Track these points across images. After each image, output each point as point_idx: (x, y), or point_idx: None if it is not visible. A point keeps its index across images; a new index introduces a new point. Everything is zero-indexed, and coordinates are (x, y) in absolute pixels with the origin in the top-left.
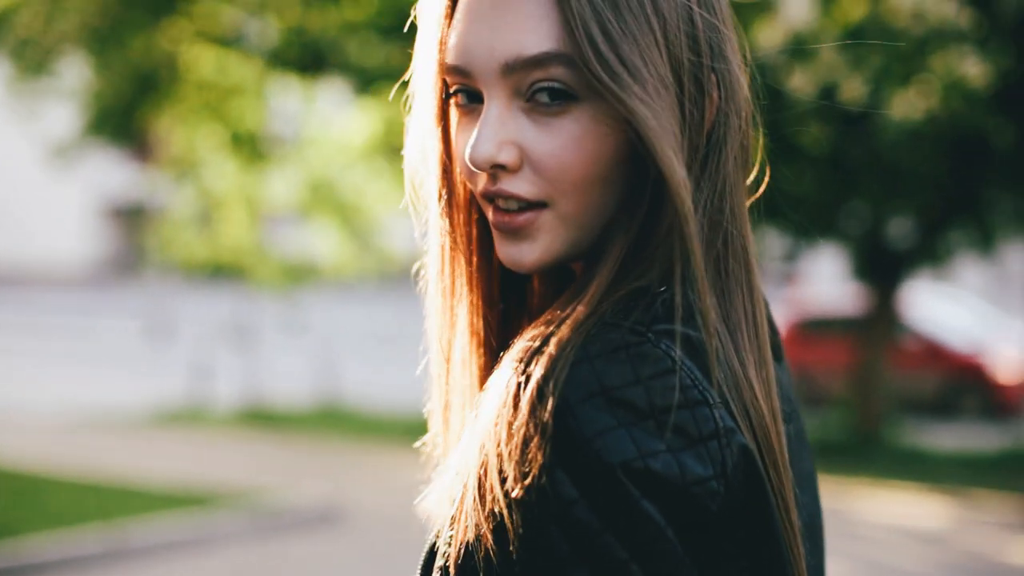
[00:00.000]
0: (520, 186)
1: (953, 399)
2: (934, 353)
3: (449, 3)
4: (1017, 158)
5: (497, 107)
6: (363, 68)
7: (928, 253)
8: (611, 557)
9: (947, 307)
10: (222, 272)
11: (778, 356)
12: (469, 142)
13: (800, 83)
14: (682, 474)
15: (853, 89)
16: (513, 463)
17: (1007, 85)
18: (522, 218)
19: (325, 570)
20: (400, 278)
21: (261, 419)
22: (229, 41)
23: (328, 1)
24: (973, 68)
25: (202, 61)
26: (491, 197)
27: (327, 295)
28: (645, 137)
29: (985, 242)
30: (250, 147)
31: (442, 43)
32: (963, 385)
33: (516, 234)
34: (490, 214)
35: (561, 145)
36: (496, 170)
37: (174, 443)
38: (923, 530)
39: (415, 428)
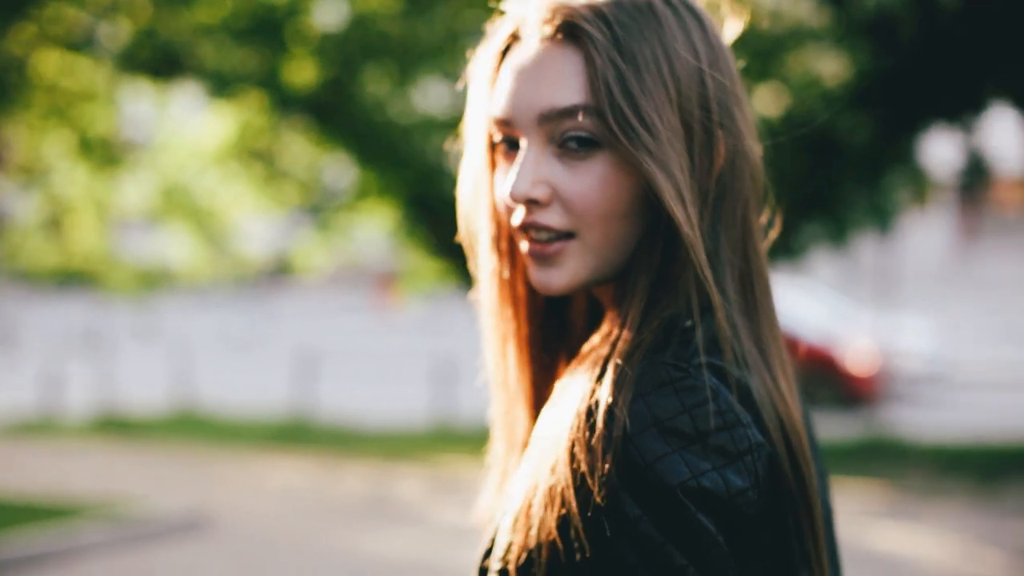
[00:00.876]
0: (551, 218)
1: (806, 390)
2: (788, 345)
3: (496, 65)
4: (871, 154)
5: (533, 151)
6: (218, 71)
7: (784, 248)
8: (672, 564)
9: (801, 300)
10: (73, 279)
11: None
12: (508, 179)
13: None
14: (727, 488)
15: None
16: (587, 482)
17: (863, 83)
18: (553, 248)
19: None
20: (255, 282)
21: (117, 427)
22: (78, 44)
23: (180, 3)
24: (829, 66)
25: (50, 65)
26: (526, 228)
27: (182, 301)
28: (652, 182)
29: (839, 236)
30: (101, 152)
31: (489, 98)
32: (816, 376)
33: (547, 261)
34: (525, 245)
35: (588, 184)
36: (531, 204)
37: (28, 455)
38: None
39: (276, 433)
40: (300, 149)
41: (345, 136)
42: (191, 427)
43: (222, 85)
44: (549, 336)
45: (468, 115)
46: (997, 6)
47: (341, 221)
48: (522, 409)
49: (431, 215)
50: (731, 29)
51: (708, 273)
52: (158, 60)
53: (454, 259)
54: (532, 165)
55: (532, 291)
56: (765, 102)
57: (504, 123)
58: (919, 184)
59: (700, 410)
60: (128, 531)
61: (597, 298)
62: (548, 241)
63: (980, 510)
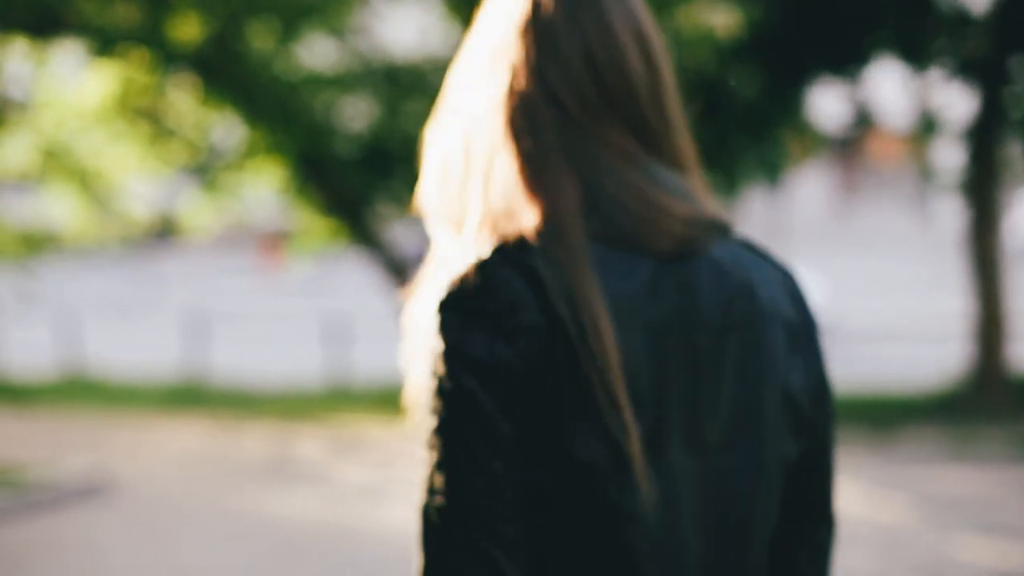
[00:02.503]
0: None
1: None
2: None
3: None
4: (760, 108)
5: None
6: (99, 28)
7: None
8: (440, 409)
9: None
10: None
11: (687, 254)
12: None
13: None
14: (491, 355)
15: None
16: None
17: (753, 35)
18: None
19: (96, 544)
20: (141, 244)
21: (3, 393)
22: None
23: None
24: (719, 18)
25: None
26: None
27: (67, 264)
28: None
29: (729, 189)
30: None
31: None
32: None
33: None
34: None
35: None
36: None
37: None
38: None
39: (170, 396)
40: (186, 107)
41: (231, 93)
42: (81, 392)
43: (104, 43)
44: None
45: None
46: None
47: (228, 180)
48: None
49: (321, 173)
50: None
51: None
52: (36, 17)
53: (344, 217)
54: None
55: None
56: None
57: None
58: (806, 137)
59: (485, 294)
60: (26, 498)
61: None
62: None
63: (877, 458)
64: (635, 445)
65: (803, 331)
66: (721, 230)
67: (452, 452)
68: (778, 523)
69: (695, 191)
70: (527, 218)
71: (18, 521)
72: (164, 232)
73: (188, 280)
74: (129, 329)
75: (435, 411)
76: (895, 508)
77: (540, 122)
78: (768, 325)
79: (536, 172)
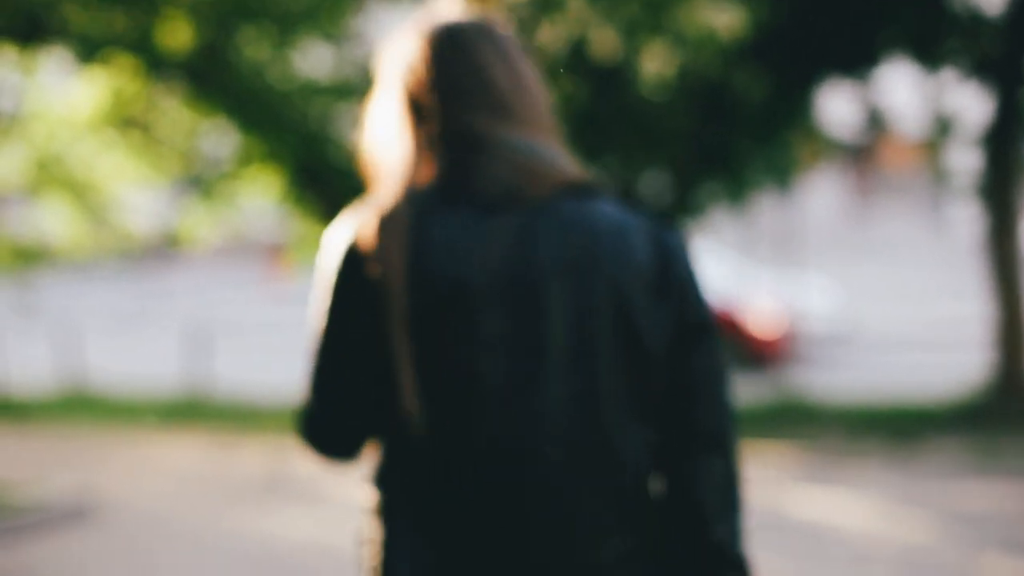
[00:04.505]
0: None
1: None
2: None
3: None
4: (767, 111)
5: None
6: (85, 35)
7: (683, 208)
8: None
9: (702, 261)
10: None
11: (500, 209)
12: None
13: (549, 37)
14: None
15: (604, 42)
16: None
17: (759, 36)
18: None
19: (79, 570)
20: (142, 257)
21: (0, 410)
22: None
23: None
24: (725, 19)
25: None
26: None
27: (66, 277)
28: None
29: (737, 194)
30: None
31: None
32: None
33: None
34: None
35: None
36: None
37: None
38: None
39: (169, 411)
40: (178, 116)
41: (224, 101)
42: (80, 408)
43: (90, 50)
44: None
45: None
46: None
47: (225, 190)
48: None
49: (318, 181)
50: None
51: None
52: (20, 24)
53: None
54: None
55: None
56: (657, 58)
57: None
58: (816, 141)
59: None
60: (8, 522)
61: None
62: None
63: (896, 471)
64: (406, 366)
65: (663, 278)
66: (580, 190)
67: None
68: (666, 450)
69: (557, 157)
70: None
71: None
72: (165, 245)
73: (191, 293)
74: (131, 342)
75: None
76: (916, 525)
77: (425, 118)
78: (607, 269)
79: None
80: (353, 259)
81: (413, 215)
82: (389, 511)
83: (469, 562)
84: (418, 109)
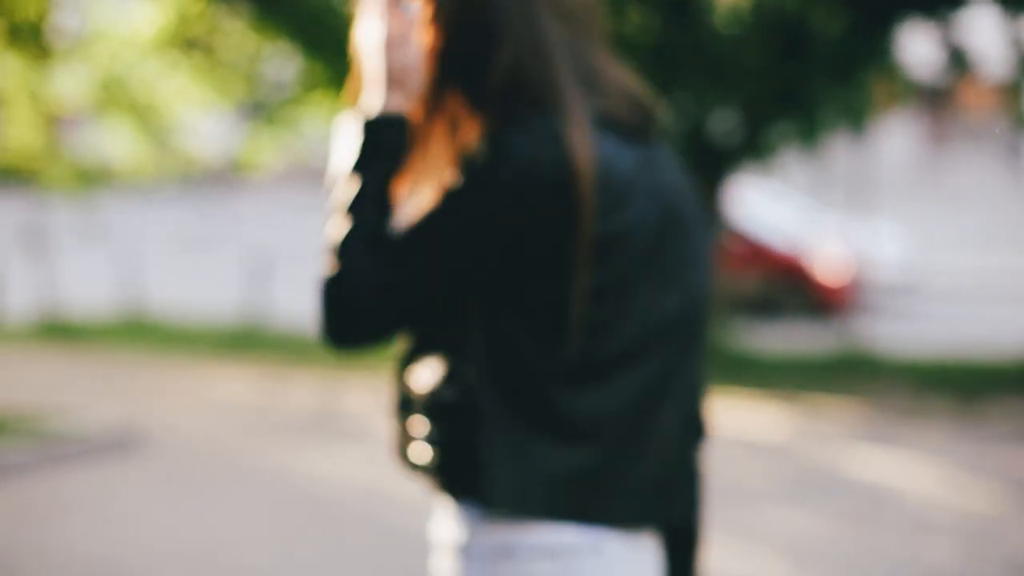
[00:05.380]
0: None
1: (775, 299)
2: (755, 253)
3: None
4: (845, 49)
5: None
6: None
7: (753, 148)
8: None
9: (770, 205)
10: (11, 177)
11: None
12: None
13: None
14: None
15: None
16: None
17: None
18: None
19: (116, 501)
20: (206, 181)
21: (59, 333)
22: None
23: None
24: None
25: None
26: None
27: (129, 200)
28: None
29: (810, 136)
30: (33, 40)
31: None
32: (784, 285)
33: None
34: None
35: None
36: None
37: None
38: (763, 442)
39: (225, 340)
40: (242, 39)
41: (288, 24)
42: (137, 333)
43: None
44: None
45: None
46: None
47: (288, 116)
48: None
49: None
50: None
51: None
52: None
53: None
54: None
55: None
56: None
57: None
58: (895, 82)
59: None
60: (50, 450)
61: None
62: None
63: (962, 434)
64: None
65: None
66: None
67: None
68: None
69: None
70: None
71: (37, 475)
72: (229, 170)
73: (256, 218)
74: (193, 267)
75: None
76: (984, 494)
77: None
78: (696, 216)
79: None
80: (559, 183)
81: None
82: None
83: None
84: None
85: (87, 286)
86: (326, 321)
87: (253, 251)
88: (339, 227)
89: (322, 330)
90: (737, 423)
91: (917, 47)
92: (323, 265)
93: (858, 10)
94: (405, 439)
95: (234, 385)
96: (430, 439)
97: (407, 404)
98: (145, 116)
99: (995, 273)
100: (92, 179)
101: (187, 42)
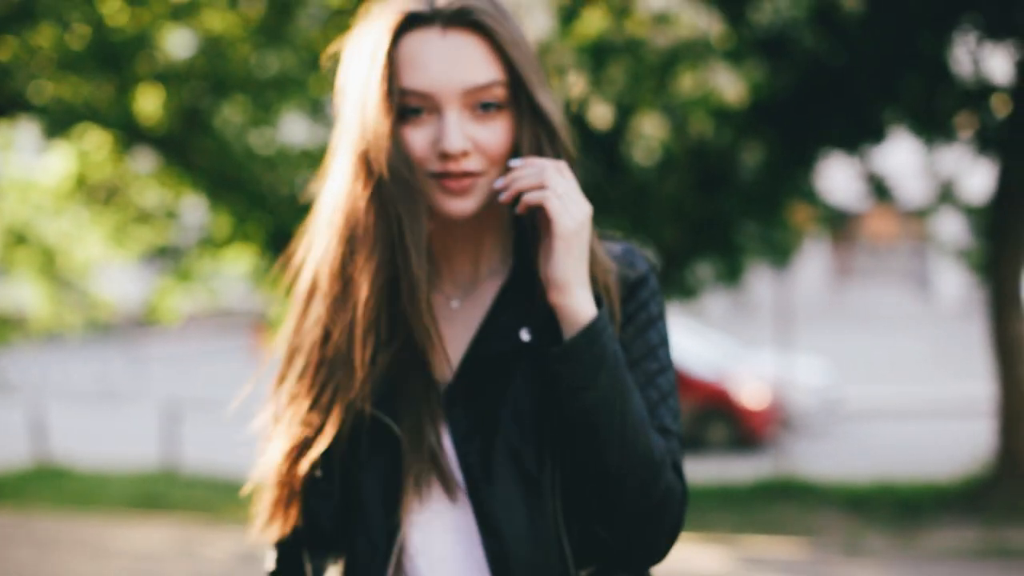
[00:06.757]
0: (472, 164)
1: (701, 430)
2: (682, 385)
3: (389, 47)
4: (763, 181)
5: (455, 115)
6: (53, 108)
7: (676, 285)
8: None
9: (691, 337)
10: None
11: None
12: (445, 137)
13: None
14: None
15: (599, 109)
16: None
17: (758, 103)
18: (466, 183)
19: None
20: (121, 329)
21: None
22: None
23: (15, 29)
24: (726, 84)
25: None
26: (449, 173)
27: (38, 348)
28: (545, 130)
29: (732, 273)
30: None
31: (391, 77)
32: (712, 414)
33: (462, 194)
34: (438, 183)
35: (498, 136)
36: (460, 155)
37: None
38: None
39: (136, 497)
40: (151, 188)
41: (197, 174)
42: (47, 484)
43: (59, 123)
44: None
45: (355, 87)
46: (899, 17)
47: (200, 264)
48: None
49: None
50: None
51: None
52: None
53: None
54: (459, 126)
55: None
56: (656, 126)
57: (421, 95)
58: (815, 212)
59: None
60: None
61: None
62: (462, 178)
63: (902, 564)
64: None
65: None
66: None
67: None
68: None
69: None
70: None
71: None
72: (144, 317)
73: (171, 364)
74: (106, 416)
75: None
76: None
77: None
78: None
79: None
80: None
81: None
82: None
83: None
84: None
85: (2, 437)
86: (672, 536)
87: (166, 400)
88: (634, 442)
89: (665, 549)
90: (673, 569)
91: (833, 176)
92: (643, 487)
93: (781, 145)
94: None
95: (148, 541)
96: None
97: None
98: (53, 265)
99: (909, 396)
100: (3, 330)
101: (95, 191)
